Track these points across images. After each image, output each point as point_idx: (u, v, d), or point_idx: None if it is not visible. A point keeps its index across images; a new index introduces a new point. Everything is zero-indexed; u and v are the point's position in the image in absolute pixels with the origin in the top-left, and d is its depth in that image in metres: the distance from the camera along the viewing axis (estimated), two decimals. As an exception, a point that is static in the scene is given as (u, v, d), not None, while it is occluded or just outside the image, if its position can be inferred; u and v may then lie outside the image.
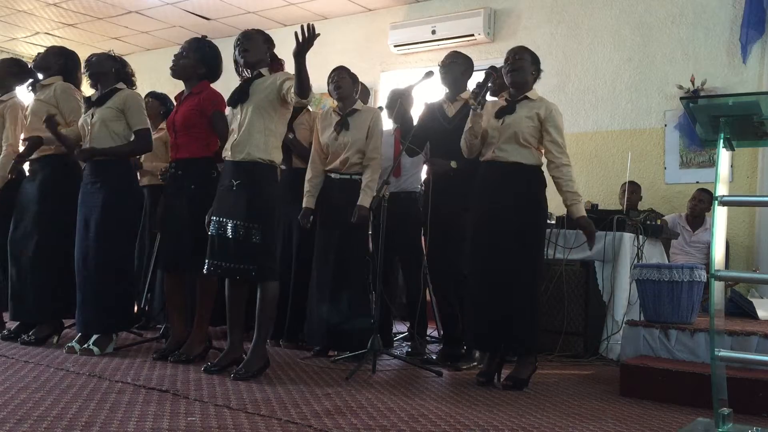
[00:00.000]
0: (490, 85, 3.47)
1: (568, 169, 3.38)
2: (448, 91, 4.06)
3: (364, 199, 3.88)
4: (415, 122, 4.14)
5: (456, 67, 4.01)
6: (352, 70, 4.20)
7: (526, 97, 3.45)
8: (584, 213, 3.41)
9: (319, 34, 3.04)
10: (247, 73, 3.50)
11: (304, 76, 3.14)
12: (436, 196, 3.90)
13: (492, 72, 3.49)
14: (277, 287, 3.45)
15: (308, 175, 4.11)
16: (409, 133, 3.96)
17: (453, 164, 3.84)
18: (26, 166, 4.23)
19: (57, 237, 4.01)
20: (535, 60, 3.50)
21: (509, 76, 3.46)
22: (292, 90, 3.22)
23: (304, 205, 4.06)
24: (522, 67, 3.45)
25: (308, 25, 3.03)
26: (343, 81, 4.07)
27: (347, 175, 4.02)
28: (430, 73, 3.96)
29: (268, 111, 3.38)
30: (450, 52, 4.13)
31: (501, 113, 3.45)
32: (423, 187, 4.56)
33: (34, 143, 4.01)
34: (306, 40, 3.02)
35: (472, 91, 3.43)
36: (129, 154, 3.93)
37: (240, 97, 3.42)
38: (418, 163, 4.42)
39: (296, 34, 3.04)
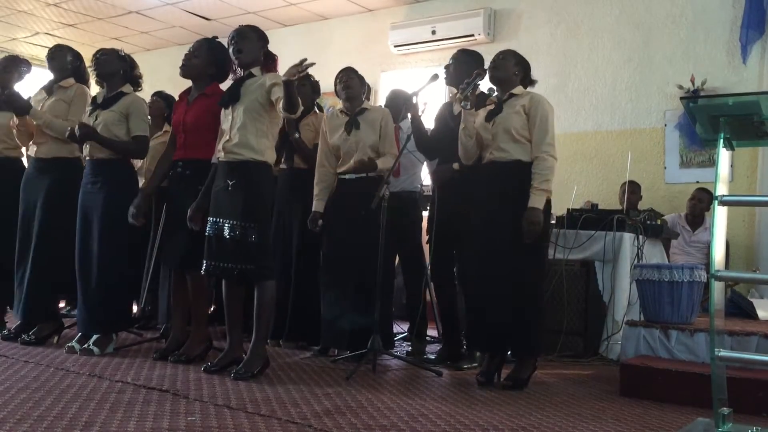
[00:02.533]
0: (478, 83, 3.47)
1: (540, 162, 3.32)
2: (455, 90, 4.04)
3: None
4: (425, 125, 4.11)
5: (460, 66, 3.91)
6: (341, 70, 4.19)
7: (512, 95, 3.47)
8: (536, 205, 3.28)
9: (313, 64, 3.11)
10: (238, 71, 3.52)
11: (294, 97, 3.19)
12: (441, 201, 3.87)
13: (481, 72, 3.50)
14: (275, 286, 3.45)
15: (317, 179, 4.08)
16: (422, 138, 3.97)
17: (455, 166, 3.82)
18: (33, 164, 4.23)
19: (61, 238, 4.01)
20: (520, 61, 3.52)
21: (490, 72, 3.49)
22: (281, 104, 3.25)
23: (313, 209, 4.03)
24: (503, 66, 3.47)
25: (308, 64, 3.10)
26: (352, 81, 4.06)
27: (363, 173, 3.97)
28: (435, 76, 3.89)
29: (259, 113, 3.39)
30: (455, 51, 4.06)
31: (490, 115, 3.47)
32: (423, 190, 4.57)
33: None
34: (298, 71, 3.09)
35: (459, 89, 3.44)
36: (124, 152, 3.90)
37: (231, 98, 3.43)
38: (417, 162, 4.42)
39: (299, 62, 3.10)
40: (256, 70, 3.48)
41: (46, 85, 4.25)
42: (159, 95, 5.07)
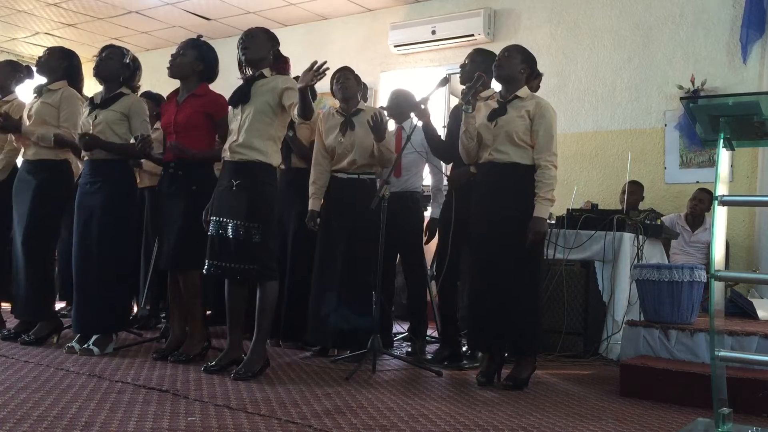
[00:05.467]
0: (479, 87, 3.46)
1: (545, 172, 3.32)
2: None
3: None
4: (436, 128, 4.11)
5: (474, 66, 3.85)
6: (338, 69, 4.20)
7: (517, 97, 3.43)
8: (542, 215, 3.30)
9: (328, 68, 3.15)
10: (247, 72, 3.49)
11: (308, 103, 3.22)
12: (459, 204, 3.85)
13: (481, 75, 3.49)
14: (277, 287, 3.45)
15: (312, 177, 4.10)
16: (437, 143, 4.02)
17: (472, 169, 3.80)
18: (23, 167, 4.23)
19: (51, 238, 4.02)
20: (526, 59, 3.47)
21: (495, 71, 3.47)
22: (295, 111, 3.27)
23: (310, 208, 4.06)
24: (508, 63, 3.43)
25: (321, 64, 3.14)
26: (349, 82, 4.07)
27: (355, 175, 4.02)
28: (444, 80, 3.84)
29: (269, 115, 3.38)
30: (471, 51, 4.02)
31: (493, 115, 3.44)
32: (423, 190, 4.56)
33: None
34: (315, 76, 3.11)
35: (462, 93, 3.43)
36: (128, 155, 3.91)
37: (241, 97, 3.42)
38: (418, 162, 4.42)
39: (310, 66, 3.14)
40: (266, 71, 3.46)
41: (36, 88, 4.25)
42: (147, 96, 5.04)
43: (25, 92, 4.54)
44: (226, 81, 3.80)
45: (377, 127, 3.87)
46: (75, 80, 4.25)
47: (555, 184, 3.36)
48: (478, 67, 3.82)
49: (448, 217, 3.94)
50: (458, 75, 4.03)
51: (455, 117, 4.02)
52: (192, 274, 3.57)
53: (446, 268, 3.90)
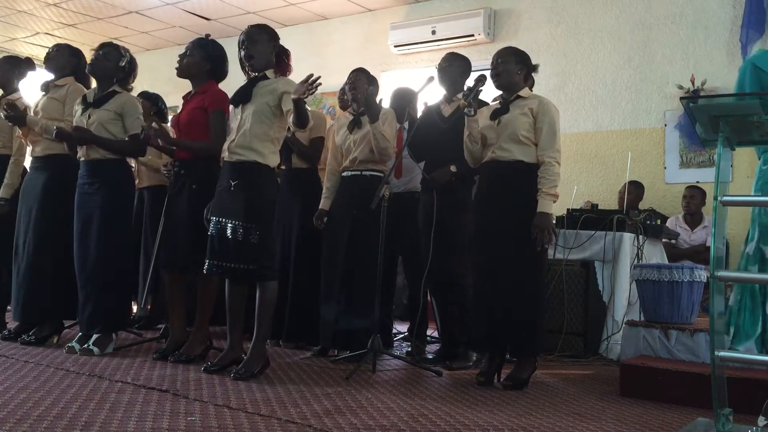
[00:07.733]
0: (480, 89, 3.47)
1: (548, 168, 3.33)
2: (446, 92, 4.06)
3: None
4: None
5: (452, 69, 4.00)
6: (352, 71, 4.21)
7: (519, 96, 3.45)
8: (546, 210, 3.30)
9: (320, 84, 3.12)
10: (251, 73, 3.51)
11: (303, 114, 3.24)
12: (441, 203, 3.86)
13: (484, 76, 3.51)
14: (276, 287, 3.45)
15: (326, 177, 4.18)
16: (412, 142, 3.98)
17: (453, 168, 3.82)
18: (31, 164, 4.23)
19: (58, 237, 4.01)
20: (521, 59, 3.49)
21: (494, 80, 3.49)
22: (292, 119, 3.30)
23: (320, 207, 4.11)
24: (505, 71, 3.45)
25: (315, 78, 3.10)
26: (359, 83, 4.08)
27: (357, 171, 4.03)
28: (431, 78, 3.94)
29: (268, 117, 3.39)
30: (446, 54, 4.13)
31: (496, 114, 3.46)
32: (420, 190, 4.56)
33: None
34: (308, 90, 3.10)
35: (463, 96, 3.44)
36: (122, 153, 3.90)
37: (243, 97, 3.43)
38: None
39: (306, 78, 3.11)
40: (269, 72, 3.48)
41: (43, 84, 4.25)
42: (144, 96, 5.03)
43: (28, 88, 4.53)
44: (228, 80, 3.80)
45: (363, 99, 3.90)
46: (83, 77, 4.26)
47: (558, 180, 3.36)
48: (456, 70, 3.98)
49: (428, 217, 3.92)
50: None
51: (428, 116, 4.04)
52: (209, 275, 3.56)
53: (432, 267, 3.90)
